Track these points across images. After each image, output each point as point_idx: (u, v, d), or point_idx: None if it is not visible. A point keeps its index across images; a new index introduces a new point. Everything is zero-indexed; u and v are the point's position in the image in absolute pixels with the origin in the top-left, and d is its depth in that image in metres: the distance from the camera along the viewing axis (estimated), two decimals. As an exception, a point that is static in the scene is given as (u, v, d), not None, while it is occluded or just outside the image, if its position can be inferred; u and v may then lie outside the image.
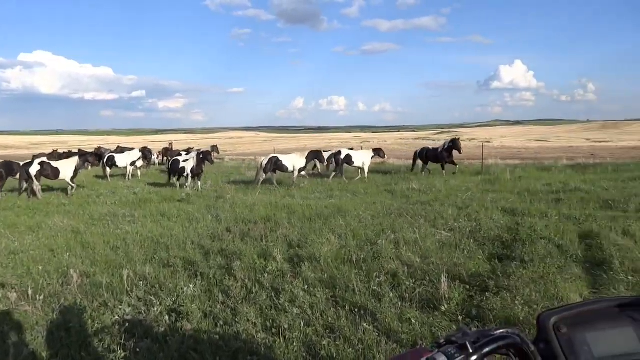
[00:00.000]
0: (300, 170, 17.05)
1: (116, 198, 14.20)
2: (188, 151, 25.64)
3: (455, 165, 18.55)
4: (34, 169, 15.08)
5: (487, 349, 0.94)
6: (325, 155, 18.66)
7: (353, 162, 18.66)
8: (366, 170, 18.56)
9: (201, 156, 16.73)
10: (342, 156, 18.63)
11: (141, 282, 5.79)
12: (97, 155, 19.57)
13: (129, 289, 5.55)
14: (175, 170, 17.36)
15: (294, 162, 16.93)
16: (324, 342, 4.05)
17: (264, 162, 16.93)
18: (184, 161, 17.16)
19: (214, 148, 22.61)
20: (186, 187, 16.20)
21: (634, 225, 7.43)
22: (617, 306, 1.08)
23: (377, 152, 19.76)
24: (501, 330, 1.00)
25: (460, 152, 18.51)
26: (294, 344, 4.08)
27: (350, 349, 3.94)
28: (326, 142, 77.21)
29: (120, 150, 25.46)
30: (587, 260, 6.02)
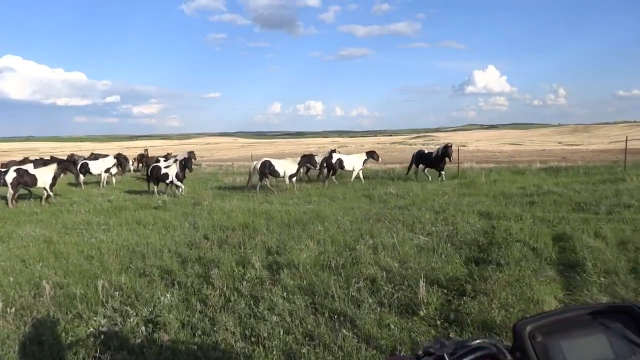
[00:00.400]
0: (291, 177, 17.00)
1: (90, 206, 13.93)
2: (166, 157, 25.28)
3: (440, 172, 18.09)
4: (10, 176, 14.66)
5: (464, 360, 0.96)
6: (318, 159, 18.45)
7: (344, 167, 18.65)
8: (354, 175, 18.59)
9: (183, 163, 16.68)
10: (334, 160, 18.53)
11: (117, 293, 5.68)
12: (72, 163, 19.20)
13: (104, 300, 5.43)
14: (156, 177, 17.09)
15: (286, 167, 16.92)
16: (303, 350, 4.04)
17: (257, 166, 16.89)
18: (166, 167, 16.96)
19: (191, 154, 22.37)
20: (163, 193, 15.97)
21: (605, 227, 7.61)
22: (590, 314, 1.10)
23: (371, 154, 19.35)
24: (478, 341, 1.02)
25: (450, 160, 18.03)
26: (274, 352, 4.06)
27: (330, 356, 3.94)
28: (304, 147, 77.25)
29: (95, 157, 24.97)
30: (561, 263, 6.14)
